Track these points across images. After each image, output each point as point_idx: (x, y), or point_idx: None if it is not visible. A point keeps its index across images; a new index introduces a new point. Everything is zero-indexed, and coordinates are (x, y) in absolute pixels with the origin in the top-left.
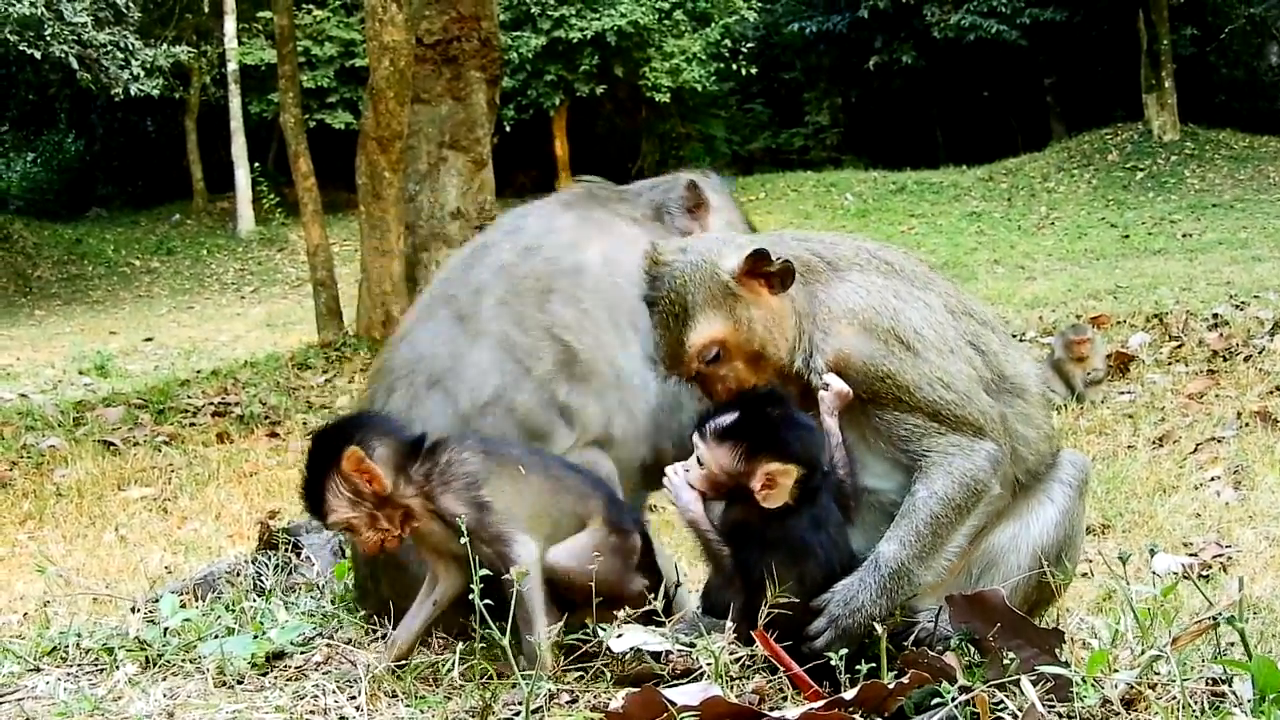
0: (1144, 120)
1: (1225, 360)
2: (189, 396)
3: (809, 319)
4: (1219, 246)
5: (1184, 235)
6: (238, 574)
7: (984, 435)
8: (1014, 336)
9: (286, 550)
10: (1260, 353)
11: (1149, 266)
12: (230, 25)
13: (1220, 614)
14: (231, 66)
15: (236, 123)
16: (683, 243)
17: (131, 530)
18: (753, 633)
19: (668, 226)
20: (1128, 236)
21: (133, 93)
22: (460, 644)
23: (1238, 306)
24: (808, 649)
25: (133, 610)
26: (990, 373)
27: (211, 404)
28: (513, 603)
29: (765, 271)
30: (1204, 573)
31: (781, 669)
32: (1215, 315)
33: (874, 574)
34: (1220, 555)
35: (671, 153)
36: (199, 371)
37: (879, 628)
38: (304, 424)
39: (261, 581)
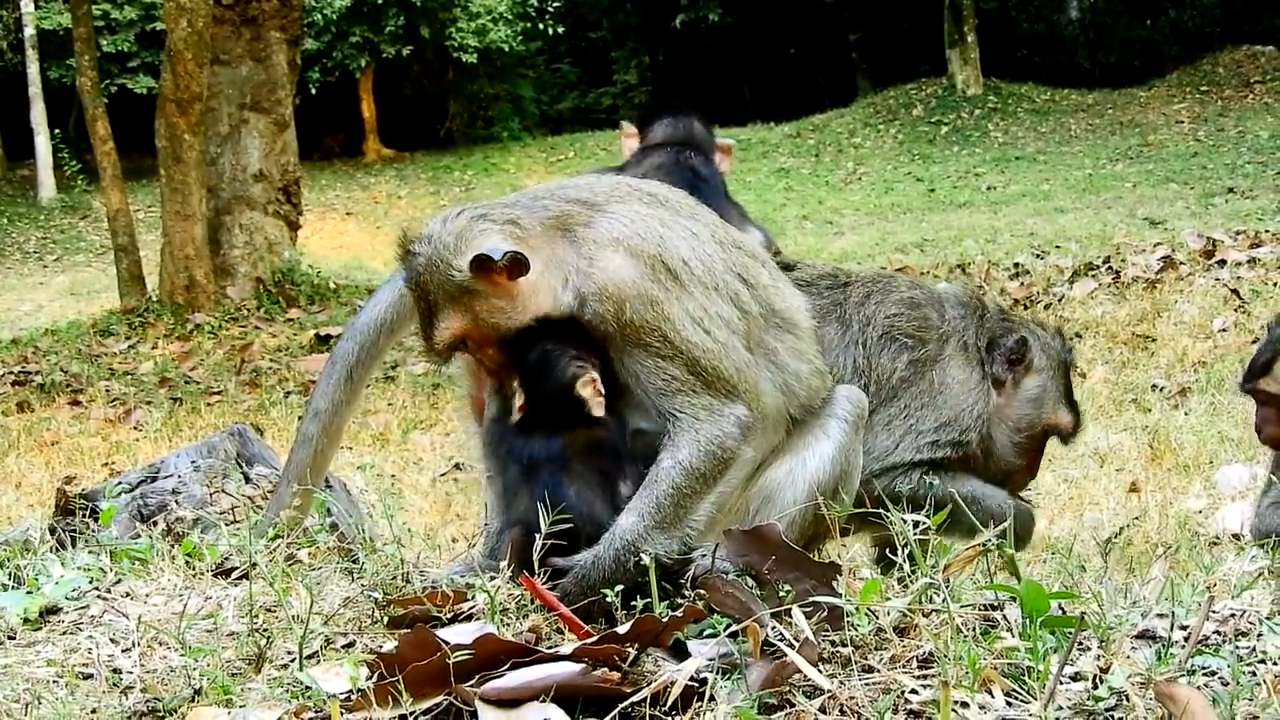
0: (948, 75)
1: (1026, 308)
2: None
3: (574, 262)
4: (1022, 198)
5: (988, 188)
6: (33, 540)
7: (735, 397)
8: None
9: (84, 516)
10: (1060, 300)
11: (954, 219)
12: None
13: (989, 541)
14: (29, 31)
15: (35, 89)
16: (428, 231)
17: None
18: (519, 579)
19: None
20: (933, 190)
21: None
22: (237, 591)
23: (1039, 256)
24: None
25: None
26: (759, 306)
27: (11, 373)
28: None
29: (496, 268)
30: None
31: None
32: (1016, 265)
33: (609, 549)
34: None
35: (480, 113)
36: None
37: (647, 560)
38: (106, 391)
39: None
